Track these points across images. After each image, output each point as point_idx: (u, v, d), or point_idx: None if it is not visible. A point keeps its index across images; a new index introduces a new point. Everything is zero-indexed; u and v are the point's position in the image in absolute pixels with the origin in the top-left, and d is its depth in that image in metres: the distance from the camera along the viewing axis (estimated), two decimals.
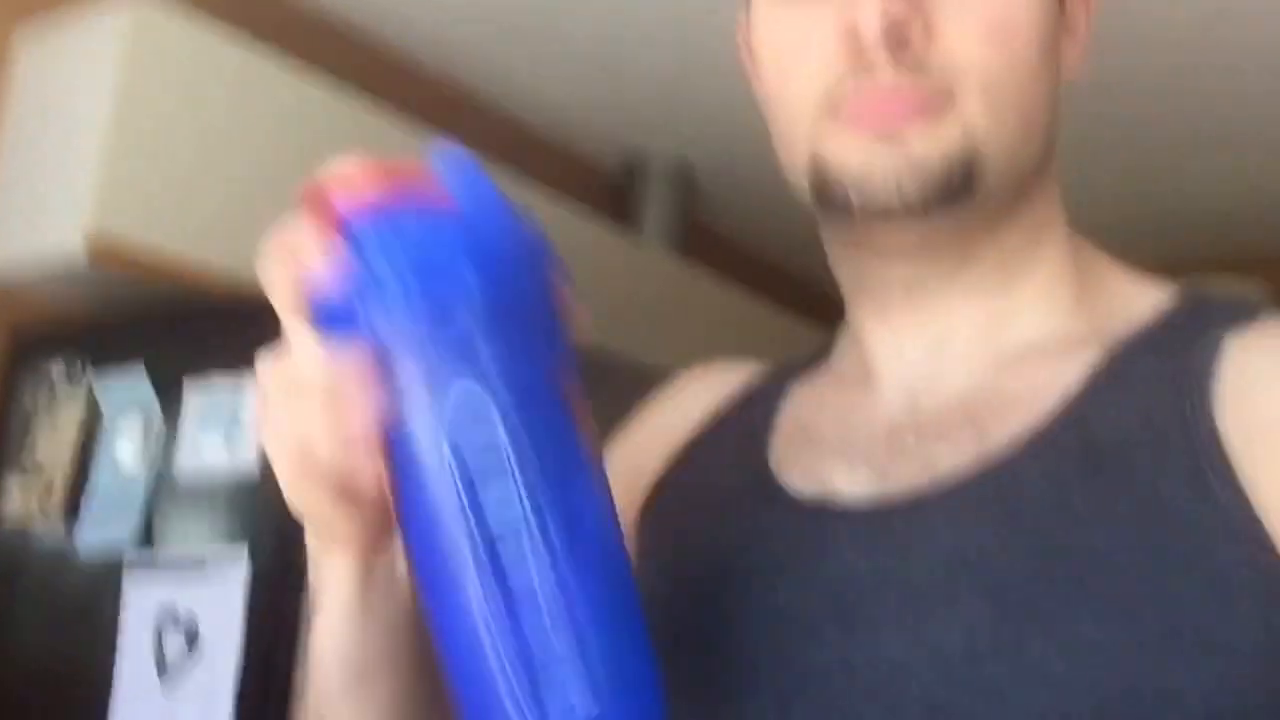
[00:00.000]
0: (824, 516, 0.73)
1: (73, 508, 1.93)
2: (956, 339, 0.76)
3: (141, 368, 1.91)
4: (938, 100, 0.69)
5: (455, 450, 0.57)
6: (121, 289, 2.01)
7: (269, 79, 2.15)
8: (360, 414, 0.58)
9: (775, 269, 3.59)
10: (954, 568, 0.67)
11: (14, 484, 2.01)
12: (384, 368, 0.58)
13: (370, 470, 0.59)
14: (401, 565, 0.67)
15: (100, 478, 1.91)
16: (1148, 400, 0.68)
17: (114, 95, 1.93)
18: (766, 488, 0.77)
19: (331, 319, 0.59)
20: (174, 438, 1.86)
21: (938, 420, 0.74)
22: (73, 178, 1.93)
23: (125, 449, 1.89)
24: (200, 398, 1.85)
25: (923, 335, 0.77)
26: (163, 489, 1.85)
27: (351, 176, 0.60)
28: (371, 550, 0.65)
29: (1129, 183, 3.05)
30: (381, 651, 0.69)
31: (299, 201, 0.61)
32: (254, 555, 1.74)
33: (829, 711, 0.67)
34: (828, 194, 0.72)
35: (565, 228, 2.63)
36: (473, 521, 0.57)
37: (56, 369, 2.01)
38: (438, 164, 0.61)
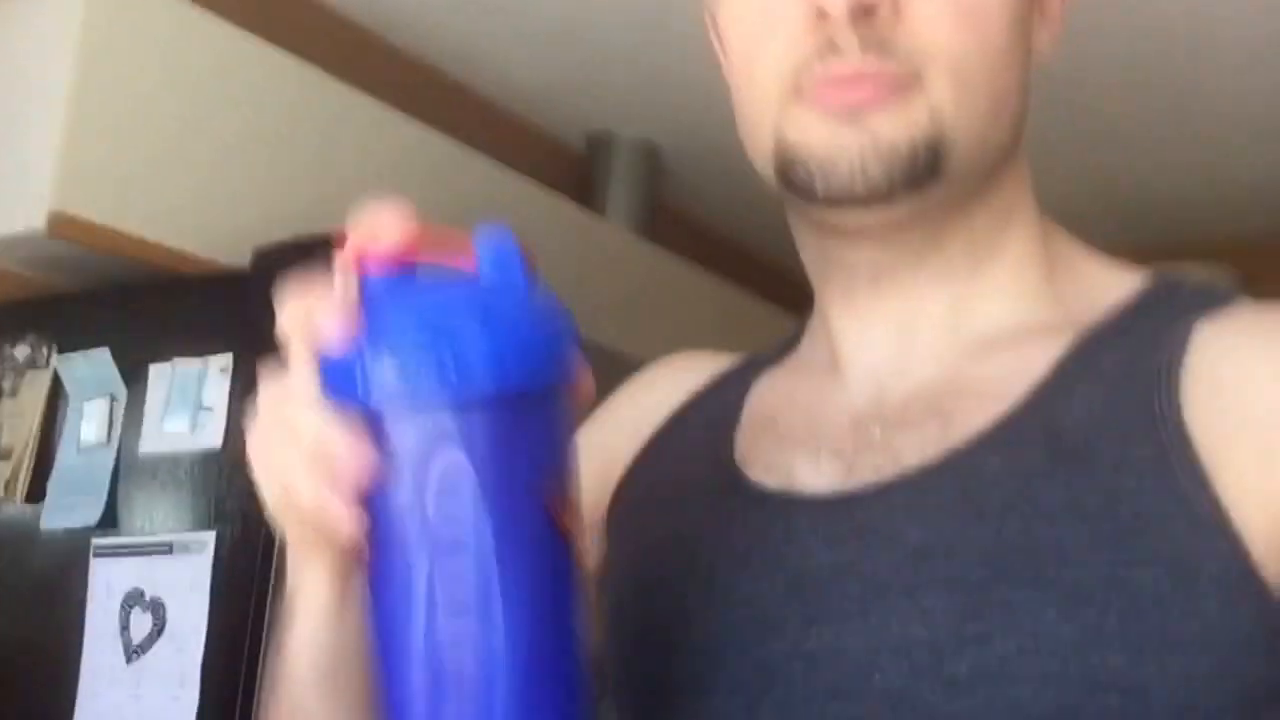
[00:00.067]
0: (787, 508, 0.73)
1: (38, 489, 1.92)
2: (923, 326, 0.76)
3: (106, 349, 1.91)
4: (905, 82, 0.68)
5: (427, 531, 0.57)
6: (86, 269, 2.00)
7: (234, 56, 2.14)
8: (343, 477, 0.58)
9: (741, 251, 3.59)
10: (917, 560, 0.66)
11: None
12: (376, 429, 0.57)
13: (347, 521, 0.59)
14: None
15: (65, 459, 1.91)
16: (1115, 391, 0.68)
17: (76, 71, 1.91)
18: (730, 480, 0.77)
19: (335, 376, 0.59)
20: (139, 419, 1.86)
21: (904, 410, 0.73)
22: (35, 156, 1.91)
23: (90, 430, 1.88)
24: (166, 379, 1.84)
25: (889, 321, 0.76)
26: (128, 470, 1.85)
27: (384, 229, 0.59)
28: (350, 564, 0.65)
29: (1093, 169, 3.06)
30: (356, 655, 0.68)
31: (337, 241, 0.60)
32: (220, 536, 1.74)
33: (793, 704, 0.67)
34: (792, 177, 0.71)
35: (530, 207, 2.63)
36: (425, 612, 0.57)
37: (21, 350, 2.00)
38: (476, 237, 0.60)
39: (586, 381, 0.62)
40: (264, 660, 1.67)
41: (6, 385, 2.00)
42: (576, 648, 0.60)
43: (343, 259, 0.60)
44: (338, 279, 0.60)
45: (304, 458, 0.59)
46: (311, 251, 1.66)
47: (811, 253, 0.79)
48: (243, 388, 1.76)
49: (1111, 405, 0.67)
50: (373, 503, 0.58)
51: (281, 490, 0.60)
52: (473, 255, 0.60)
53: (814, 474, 0.74)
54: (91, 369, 1.91)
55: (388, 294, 0.58)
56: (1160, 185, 3.23)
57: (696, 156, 3.12)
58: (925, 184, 0.70)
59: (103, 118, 1.94)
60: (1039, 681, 0.61)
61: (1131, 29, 2.48)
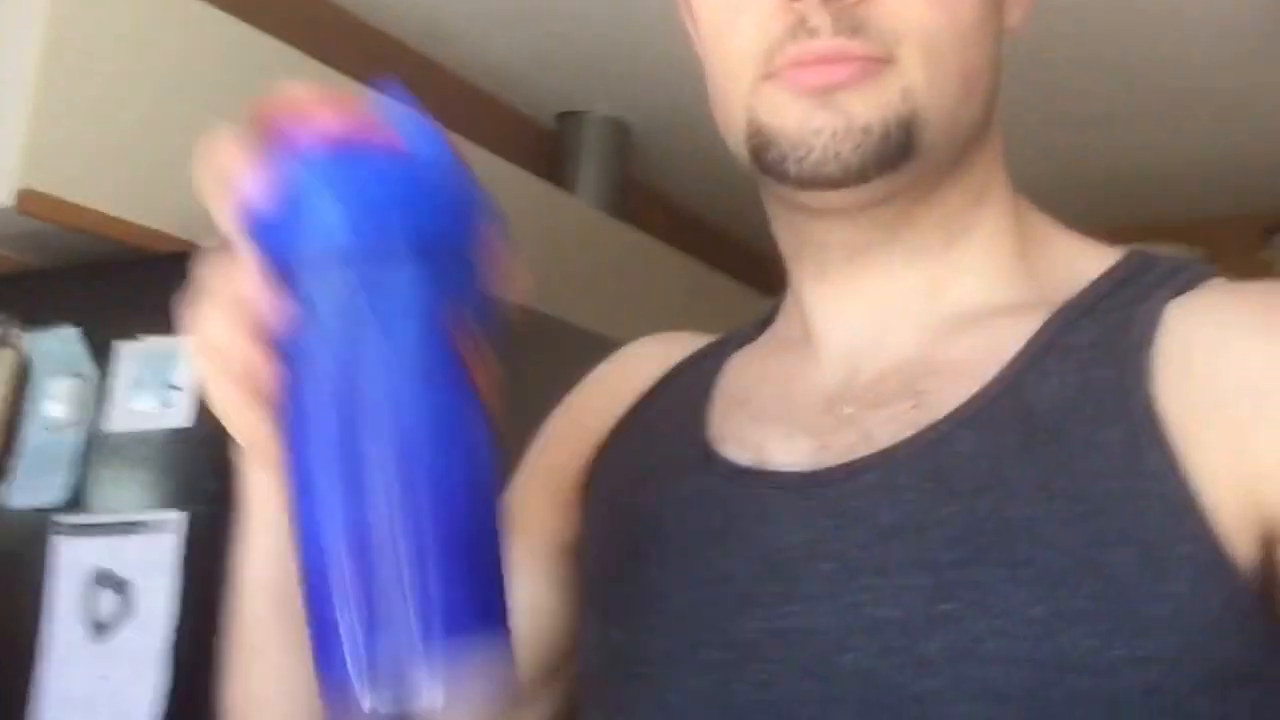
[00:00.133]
0: (761, 486, 0.73)
1: (3, 467, 1.90)
2: (897, 304, 0.76)
3: (75, 327, 1.89)
4: (878, 62, 0.68)
5: (335, 371, 0.58)
6: (55, 246, 1.99)
7: (203, 32, 2.12)
8: (268, 310, 0.59)
9: (711, 229, 3.60)
10: (889, 540, 0.66)
11: None
12: (294, 282, 0.59)
13: (265, 365, 0.60)
14: None
15: (32, 437, 1.89)
16: (1087, 369, 0.68)
17: (45, 46, 1.89)
18: (704, 457, 0.77)
19: (259, 231, 0.60)
20: (108, 397, 1.85)
21: (876, 389, 0.73)
22: (2, 132, 1.89)
23: (57, 408, 1.87)
24: (135, 357, 1.83)
25: (863, 300, 0.76)
26: (94, 448, 1.83)
27: (303, 101, 0.60)
28: None
29: (1059, 149, 3.07)
30: None
31: (246, 117, 0.62)
32: (189, 516, 1.73)
33: (765, 682, 0.67)
34: (765, 158, 0.71)
35: (499, 184, 2.62)
36: (336, 441, 0.58)
37: None
38: (386, 107, 0.62)
39: (502, 249, 0.63)
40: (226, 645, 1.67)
41: None
42: (494, 498, 0.61)
43: (262, 122, 0.61)
44: (259, 137, 0.60)
45: (226, 305, 0.60)
46: None
47: (785, 231, 0.79)
48: None
49: (1083, 384, 0.67)
50: (287, 358, 0.60)
51: (210, 347, 0.61)
52: (382, 120, 0.61)
53: (787, 452, 0.74)
54: (59, 347, 1.90)
55: (315, 153, 0.59)
56: (1125, 165, 3.25)
57: (667, 134, 3.11)
58: (899, 164, 0.70)
59: (72, 94, 1.92)
60: (1009, 662, 0.61)
61: (1095, 7, 2.48)
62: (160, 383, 1.79)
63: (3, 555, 1.88)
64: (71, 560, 1.79)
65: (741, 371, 0.83)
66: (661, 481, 0.79)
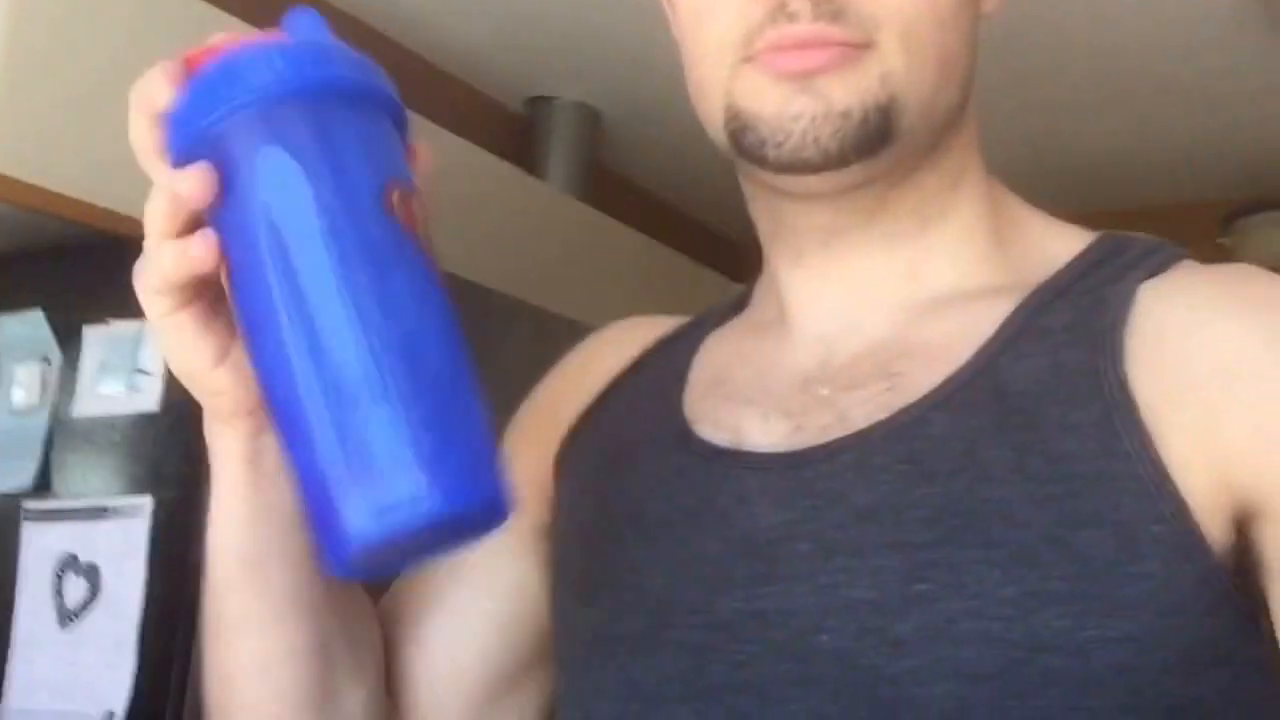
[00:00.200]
0: (737, 467, 0.73)
1: None
2: (872, 287, 0.76)
3: (40, 310, 1.88)
4: (857, 47, 0.68)
5: (268, 217, 0.61)
6: (18, 229, 1.97)
7: (167, 12, 2.10)
8: (189, 200, 0.61)
9: (679, 216, 3.59)
10: (863, 521, 0.67)
11: None
12: (217, 157, 0.62)
13: (202, 245, 0.62)
14: None
15: None
16: (1061, 351, 0.68)
17: (5, 25, 1.88)
18: (680, 438, 0.77)
19: (175, 130, 0.64)
20: (74, 381, 1.84)
21: (851, 371, 0.74)
22: None
23: (23, 393, 1.86)
24: (101, 341, 1.82)
25: (839, 282, 0.76)
26: (62, 433, 1.82)
27: (217, 42, 0.65)
28: (257, 431, 0.67)
29: (1021, 134, 3.08)
30: (272, 541, 0.70)
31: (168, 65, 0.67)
32: (158, 500, 1.72)
33: (741, 662, 0.68)
34: (743, 141, 0.71)
35: (469, 170, 2.62)
36: (286, 288, 0.60)
37: None
38: (288, 20, 0.67)
39: (402, 117, 0.67)
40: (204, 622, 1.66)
41: None
42: (450, 331, 0.62)
43: (175, 65, 0.66)
44: (170, 77, 0.65)
45: (158, 212, 0.63)
46: None
47: (761, 214, 0.79)
48: None
49: (1057, 366, 0.68)
50: (222, 229, 0.62)
51: (154, 268, 0.64)
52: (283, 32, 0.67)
53: (762, 433, 0.74)
54: (24, 330, 1.88)
55: (211, 59, 0.65)
56: (1086, 151, 3.26)
57: (636, 120, 3.11)
58: (877, 149, 0.70)
59: (33, 74, 1.90)
60: (982, 642, 0.62)
61: None
62: (128, 367, 1.78)
63: None
64: (40, 546, 1.78)
65: (717, 353, 0.83)
66: (638, 462, 0.79)
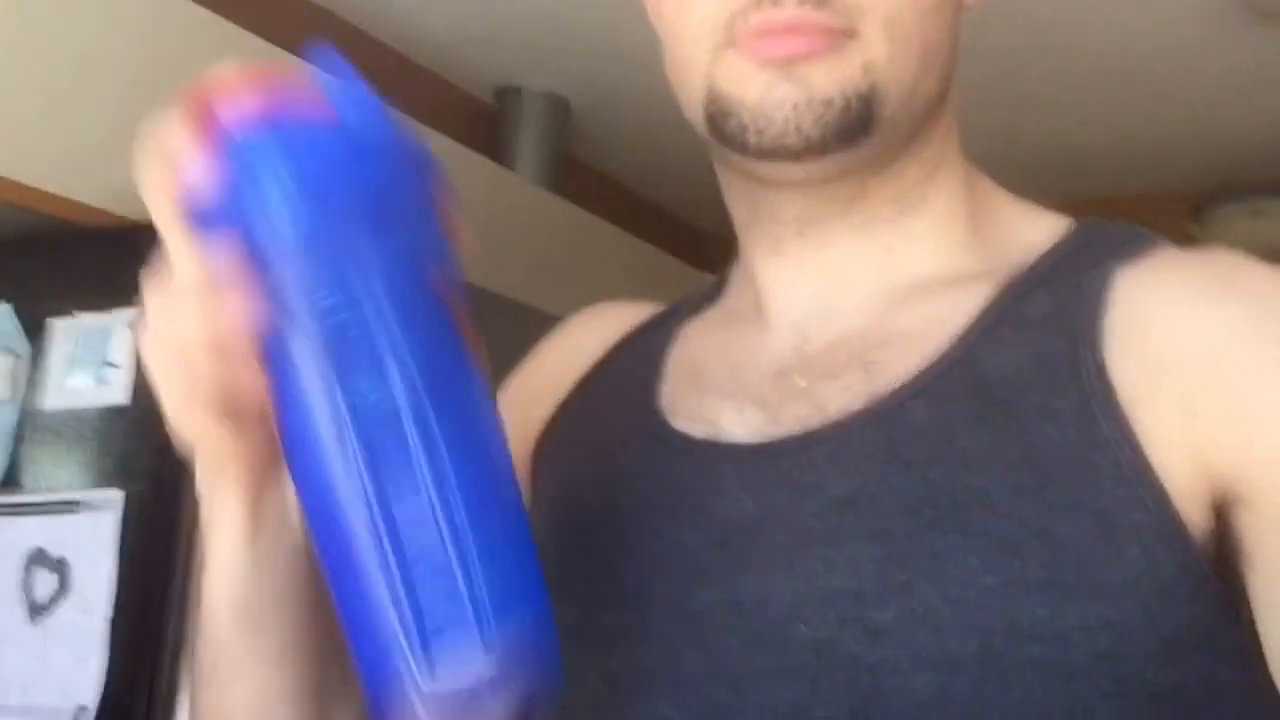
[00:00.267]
0: (713, 458, 0.73)
1: None
2: (849, 275, 0.76)
3: (6, 302, 1.87)
4: (840, 35, 0.68)
5: (328, 352, 0.57)
6: None
7: (135, 4, 2.09)
8: (234, 313, 0.57)
9: (649, 206, 3.59)
10: (841, 510, 0.66)
11: None
12: (260, 273, 0.57)
13: (250, 379, 0.59)
14: (293, 503, 0.65)
15: None
16: (1038, 338, 0.68)
17: None
18: (655, 428, 0.77)
19: (208, 222, 0.58)
20: (42, 375, 1.82)
21: (828, 360, 0.73)
22: None
23: None
24: (69, 334, 1.81)
25: (815, 270, 0.76)
26: (29, 426, 1.81)
27: (233, 83, 0.59)
28: (260, 481, 0.64)
29: (993, 125, 3.09)
30: (273, 596, 0.67)
31: (177, 105, 0.60)
32: (128, 494, 1.71)
33: (718, 653, 0.67)
34: (724, 127, 0.71)
35: (438, 160, 2.61)
36: (349, 426, 0.56)
37: None
38: (320, 76, 0.61)
39: (451, 204, 0.63)
40: (177, 619, 1.66)
41: None
42: (509, 458, 0.60)
43: (194, 110, 0.59)
44: (192, 127, 0.59)
45: (192, 308, 0.58)
46: None
47: (738, 202, 0.79)
48: None
49: (1035, 353, 0.67)
50: (269, 355, 0.58)
51: (179, 362, 0.60)
52: (316, 90, 0.60)
53: (739, 423, 0.73)
54: None
55: (254, 135, 0.58)
56: (1058, 142, 3.28)
57: (606, 111, 3.11)
58: (858, 138, 0.70)
59: (2, 68, 1.89)
60: (961, 630, 0.61)
61: None
62: (96, 360, 1.77)
63: None
64: (8, 540, 1.77)
65: (692, 344, 0.83)
66: (613, 454, 0.78)
